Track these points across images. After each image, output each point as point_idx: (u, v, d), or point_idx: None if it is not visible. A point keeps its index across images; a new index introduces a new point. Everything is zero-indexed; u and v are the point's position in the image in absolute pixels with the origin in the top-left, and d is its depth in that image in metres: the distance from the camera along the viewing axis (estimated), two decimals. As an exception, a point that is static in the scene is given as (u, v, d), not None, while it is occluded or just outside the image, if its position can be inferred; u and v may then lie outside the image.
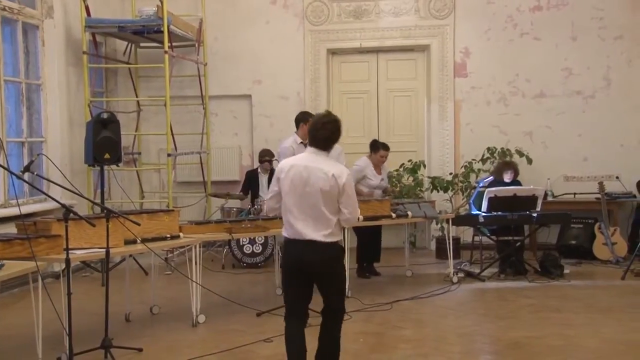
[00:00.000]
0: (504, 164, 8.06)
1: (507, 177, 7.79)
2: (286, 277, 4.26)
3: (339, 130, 4.15)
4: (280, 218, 6.26)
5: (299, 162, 4.13)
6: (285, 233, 4.18)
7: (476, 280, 7.26)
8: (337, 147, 8.42)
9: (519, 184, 7.90)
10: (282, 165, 4.21)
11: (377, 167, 7.63)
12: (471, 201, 7.88)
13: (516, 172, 7.89)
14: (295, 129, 7.40)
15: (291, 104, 9.30)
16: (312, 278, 4.14)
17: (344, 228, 4.32)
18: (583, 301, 6.32)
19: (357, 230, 7.27)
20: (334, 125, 4.13)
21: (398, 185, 8.68)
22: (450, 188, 8.71)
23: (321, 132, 4.11)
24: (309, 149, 4.18)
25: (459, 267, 7.66)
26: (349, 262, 6.57)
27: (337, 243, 4.16)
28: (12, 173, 4.46)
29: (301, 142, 7.23)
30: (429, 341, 5.16)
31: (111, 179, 8.76)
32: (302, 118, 7.30)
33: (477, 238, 8.01)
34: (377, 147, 7.59)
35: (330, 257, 4.10)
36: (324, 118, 4.18)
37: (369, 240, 7.50)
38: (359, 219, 6.38)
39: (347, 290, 6.39)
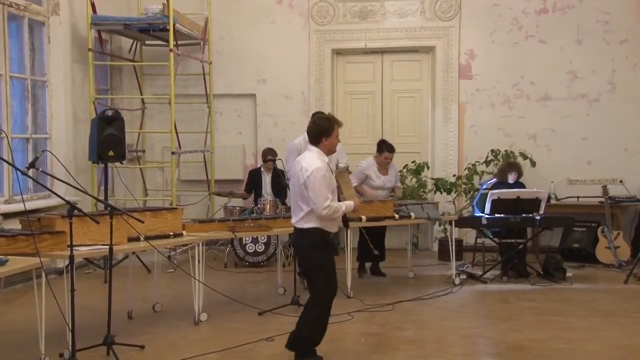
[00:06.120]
0: (508, 165, 8.07)
1: (511, 178, 7.80)
2: None
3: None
4: (283, 218, 6.37)
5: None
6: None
7: (478, 283, 7.25)
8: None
9: (522, 185, 7.90)
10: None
11: (383, 167, 7.54)
12: (474, 203, 7.88)
13: (520, 173, 7.91)
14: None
15: (295, 103, 9.32)
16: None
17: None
18: (585, 305, 6.31)
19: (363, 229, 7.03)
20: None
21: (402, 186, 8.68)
22: (454, 190, 8.71)
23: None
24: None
25: (461, 269, 7.66)
26: (350, 262, 6.60)
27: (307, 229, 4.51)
28: (17, 169, 4.47)
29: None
30: (430, 342, 5.16)
31: (115, 176, 8.76)
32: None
33: (479, 240, 8.00)
34: (382, 149, 7.48)
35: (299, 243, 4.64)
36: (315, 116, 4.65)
37: (373, 239, 7.43)
38: (361, 218, 6.46)
39: (348, 290, 6.44)
